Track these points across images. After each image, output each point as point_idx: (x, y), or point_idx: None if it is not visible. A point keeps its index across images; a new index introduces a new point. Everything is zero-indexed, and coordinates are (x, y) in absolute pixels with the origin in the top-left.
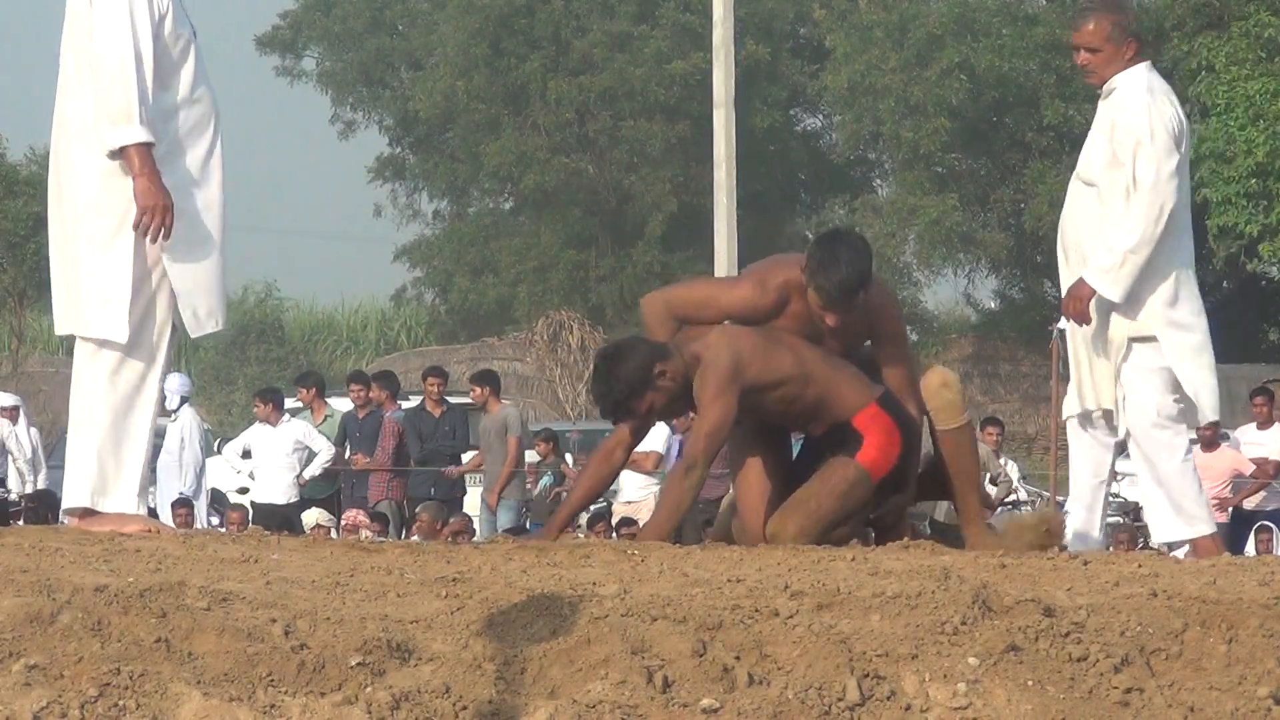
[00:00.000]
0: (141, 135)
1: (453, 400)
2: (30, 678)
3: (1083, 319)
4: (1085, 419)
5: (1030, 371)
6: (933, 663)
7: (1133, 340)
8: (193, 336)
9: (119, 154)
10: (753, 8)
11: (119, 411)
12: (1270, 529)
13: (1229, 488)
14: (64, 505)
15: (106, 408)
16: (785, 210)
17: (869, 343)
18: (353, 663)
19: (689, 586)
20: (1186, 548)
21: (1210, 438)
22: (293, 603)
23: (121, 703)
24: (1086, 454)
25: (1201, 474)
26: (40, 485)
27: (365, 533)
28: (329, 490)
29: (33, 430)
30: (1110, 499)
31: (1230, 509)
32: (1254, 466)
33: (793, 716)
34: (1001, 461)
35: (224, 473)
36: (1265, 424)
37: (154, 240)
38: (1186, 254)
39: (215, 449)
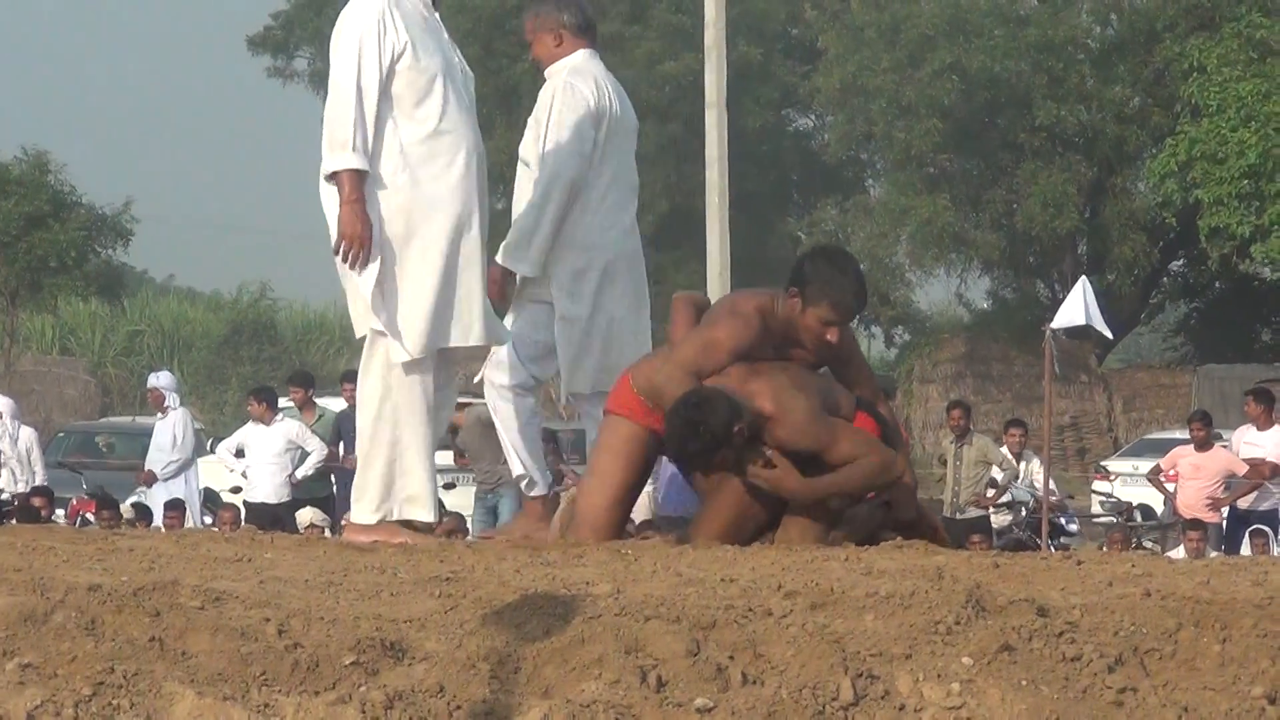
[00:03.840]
0: (353, 162)
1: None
2: (24, 677)
3: (498, 299)
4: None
5: (1023, 371)
6: (926, 662)
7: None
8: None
9: (333, 179)
10: (744, 8)
11: (397, 425)
12: (1266, 533)
13: (1222, 487)
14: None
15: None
16: (777, 211)
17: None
18: (346, 662)
19: (682, 586)
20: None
21: (1203, 438)
22: (286, 602)
23: (115, 702)
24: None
25: (1195, 473)
26: (37, 483)
27: None
28: (323, 490)
29: (25, 430)
30: (1104, 500)
31: (1226, 509)
32: (1247, 467)
33: (786, 716)
34: (1023, 464)
35: (217, 472)
36: (1265, 425)
37: (352, 267)
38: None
39: (209, 448)
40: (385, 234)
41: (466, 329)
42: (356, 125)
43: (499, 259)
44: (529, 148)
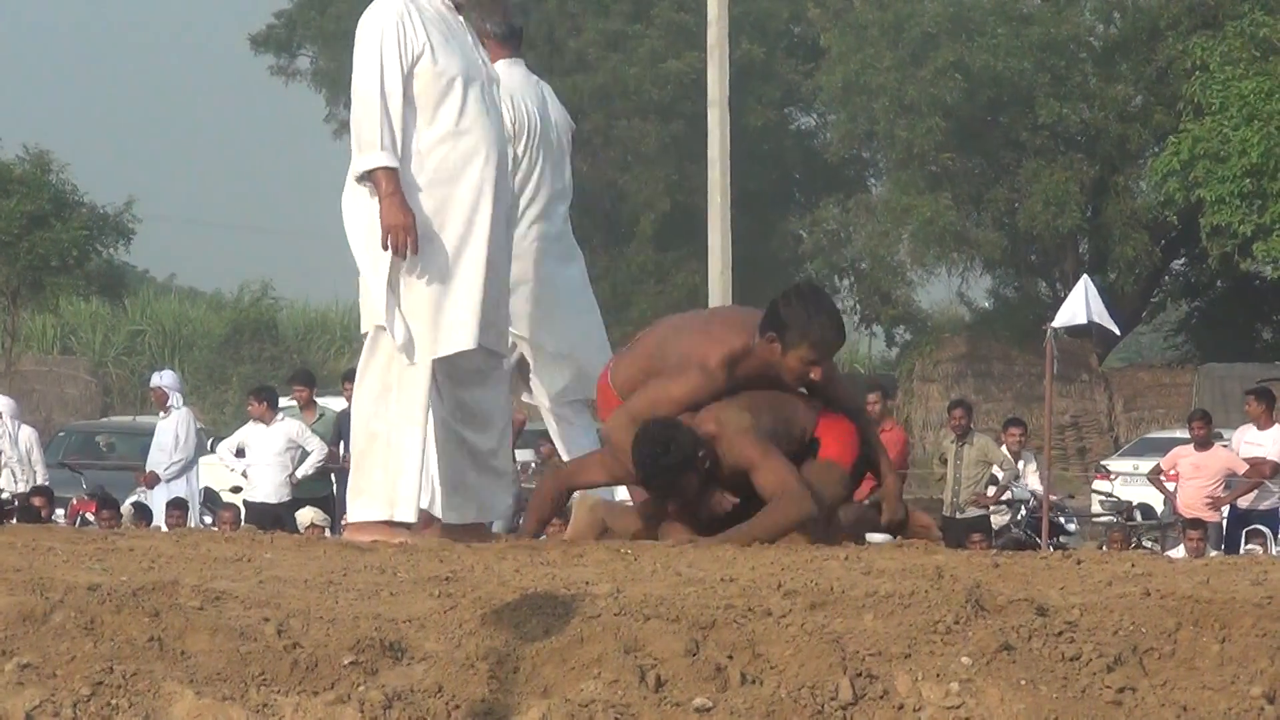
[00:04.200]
0: (384, 160)
1: None
2: (23, 677)
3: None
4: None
5: (1024, 371)
6: (926, 662)
7: None
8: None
9: (367, 178)
10: (747, 6)
11: (389, 426)
12: (1264, 533)
13: (1222, 486)
14: (352, 518)
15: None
16: (779, 209)
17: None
18: (345, 662)
19: (682, 586)
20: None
21: (1203, 437)
22: (286, 602)
23: (114, 702)
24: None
25: (1195, 473)
26: (38, 483)
27: None
28: (323, 490)
29: (25, 429)
30: (1104, 499)
31: (1226, 508)
32: (1247, 466)
33: (785, 716)
34: (1021, 464)
35: (218, 471)
36: (1265, 425)
37: (402, 257)
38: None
39: (209, 447)
40: None
41: (468, 335)
42: (383, 125)
43: None
44: None
